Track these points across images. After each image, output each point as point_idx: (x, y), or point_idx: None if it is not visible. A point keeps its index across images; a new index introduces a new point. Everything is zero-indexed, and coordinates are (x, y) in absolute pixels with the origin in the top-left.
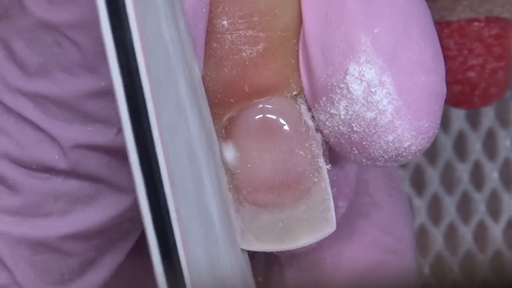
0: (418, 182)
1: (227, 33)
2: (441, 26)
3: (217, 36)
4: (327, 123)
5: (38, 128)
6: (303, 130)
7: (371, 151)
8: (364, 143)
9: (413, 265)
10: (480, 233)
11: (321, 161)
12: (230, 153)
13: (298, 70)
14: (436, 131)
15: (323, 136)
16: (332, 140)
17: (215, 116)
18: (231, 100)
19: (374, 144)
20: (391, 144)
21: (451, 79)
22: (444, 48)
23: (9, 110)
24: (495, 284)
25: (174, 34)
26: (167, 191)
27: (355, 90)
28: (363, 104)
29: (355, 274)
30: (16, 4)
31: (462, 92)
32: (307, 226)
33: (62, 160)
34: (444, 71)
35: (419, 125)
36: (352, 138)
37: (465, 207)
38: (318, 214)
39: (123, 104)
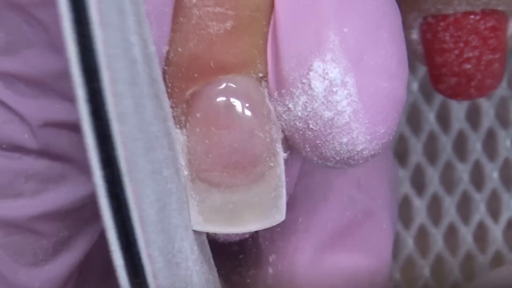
0: (418, 182)
1: (194, 8)
2: (437, 20)
3: (184, 11)
4: (283, 115)
5: (7, 107)
6: (265, 113)
7: (323, 151)
8: (318, 141)
9: (388, 229)
10: (480, 234)
11: (279, 147)
12: (189, 128)
13: (266, 52)
14: (391, 137)
15: None
16: (286, 133)
17: (178, 90)
18: (195, 75)
19: (327, 144)
20: (344, 146)
21: (447, 71)
22: (440, 41)
23: None
24: (495, 285)
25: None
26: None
27: (316, 88)
28: (322, 103)
29: (325, 236)
30: None
31: (458, 84)
32: (257, 210)
33: (32, 139)
34: (407, 79)
35: (375, 130)
36: (307, 135)
37: (465, 207)
38: (269, 199)
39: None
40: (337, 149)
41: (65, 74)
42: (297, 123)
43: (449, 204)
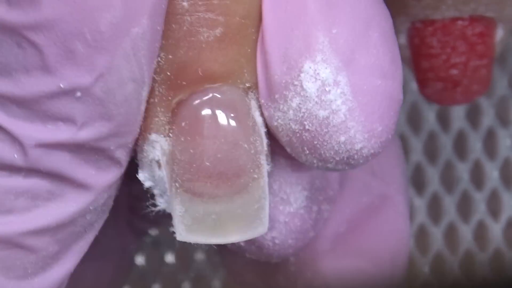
0: (418, 182)
1: (186, 14)
2: (425, 25)
3: (177, 17)
4: (279, 120)
5: None
6: (250, 124)
7: (322, 152)
8: (315, 142)
9: (404, 211)
10: (480, 232)
11: (263, 158)
12: (174, 137)
13: (253, 61)
14: (390, 136)
15: (275, 134)
16: (284, 139)
17: (166, 99)
18: (183, 83)
19: (325, 144)
20: (342, 145)
21: (433, 76)
22: (427, 46)
23: None
24: (495, 283)
25: None
26: None
27: (309, 88)
28: (316, 102)
29: (344, 222)
30: None
31: (444, 89)
32: (240, 222)
33: (21, 158)
34: (401, 78)
35: (372, 128)
36: (304, 136)
37: (465, 207)
38: (252, 211)
39: None
40: (335, 149)
41: (57, 95)
42: (293, 125)
43: (449, 203)
